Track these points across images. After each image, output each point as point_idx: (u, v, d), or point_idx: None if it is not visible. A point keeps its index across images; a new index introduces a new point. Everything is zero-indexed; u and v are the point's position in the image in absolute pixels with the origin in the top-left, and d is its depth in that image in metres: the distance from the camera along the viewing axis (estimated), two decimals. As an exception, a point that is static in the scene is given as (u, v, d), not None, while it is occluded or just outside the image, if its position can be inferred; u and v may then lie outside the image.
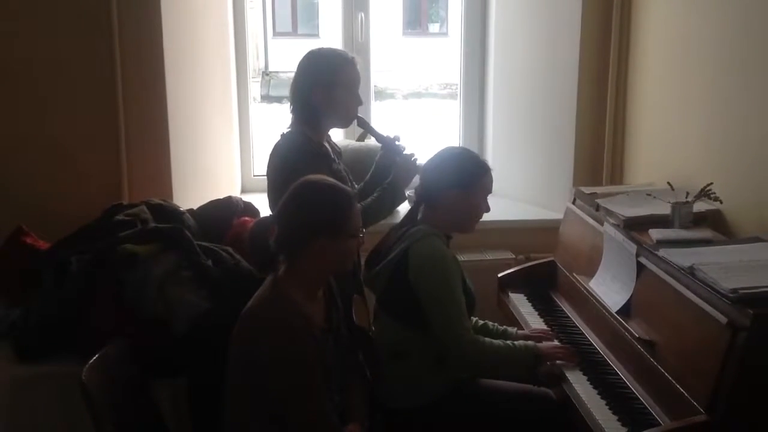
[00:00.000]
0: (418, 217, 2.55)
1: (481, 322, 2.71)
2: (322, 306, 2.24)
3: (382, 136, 2.79)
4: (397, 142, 2.78)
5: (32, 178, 3.29)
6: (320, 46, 2.74)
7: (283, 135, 2.68)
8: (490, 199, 2.57)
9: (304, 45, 3.18)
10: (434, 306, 2.38)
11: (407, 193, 2.75)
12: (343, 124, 2.82)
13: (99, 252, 2.74)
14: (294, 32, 16.68)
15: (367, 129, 2.84)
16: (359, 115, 2.75)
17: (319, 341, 2.12)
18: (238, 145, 4.00)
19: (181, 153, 3.44)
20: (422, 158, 2.68)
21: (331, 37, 7.06)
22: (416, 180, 2.65)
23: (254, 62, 13.15)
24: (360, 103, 2.71)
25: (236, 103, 3.96)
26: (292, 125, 2.69)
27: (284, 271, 2.14)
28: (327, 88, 2.61)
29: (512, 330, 2.71)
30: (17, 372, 2.62)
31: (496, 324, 2.74)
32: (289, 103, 2.71)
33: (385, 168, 2.78)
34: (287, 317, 2.05)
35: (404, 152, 2.75)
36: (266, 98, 12.90)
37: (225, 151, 3.89)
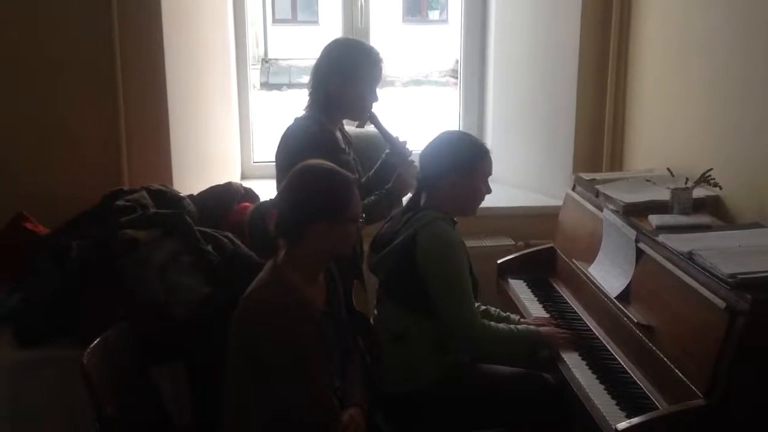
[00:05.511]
0: (422, 203, 2.55)
1: (483, 307, 2.72)
2: (323, 290, 2.24)
3: (391, 135, 2.74)
4: (404, 146, 2.73)
5: (33, 164, 3.29)
6: (348, 37, 2.68)
7: (296, 119, 2.63)
8: (490, 185, 2.56)
9: (303, 32, 3.18)
10: (443, 290, 2.38)
11: None
12: (356, 117, 2.74)
13: (99, 237, 2.74)
14: (294, 19, 16.59)
15: (377, 125, 2.75)
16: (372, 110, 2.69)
17: (320, 325, 2.12)
18: (237, 131, 3.99)
19: (181, 139, 3.44)
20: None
21: (331, 24, 7.03)
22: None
23: (254, 49, 13.10)
24: (376, 100, 2.66)
25: (236, 90, 3.95)
26: (307, 108, 2.64)
27: (284, 256, 2.14)
28: (346, 80, 2.57)
29: (514, 317, 2.72)
30: (18, 356, 2.63)
31: (498, 310, 2.75)
32: (308, 86, 2.65)
33: (390, 166, 2.73)
34: (287, 301, 2.05)
35: (407, 159, 2.69)
36: (266, 85, 12.85)
37: (225, 138, 3.88)
